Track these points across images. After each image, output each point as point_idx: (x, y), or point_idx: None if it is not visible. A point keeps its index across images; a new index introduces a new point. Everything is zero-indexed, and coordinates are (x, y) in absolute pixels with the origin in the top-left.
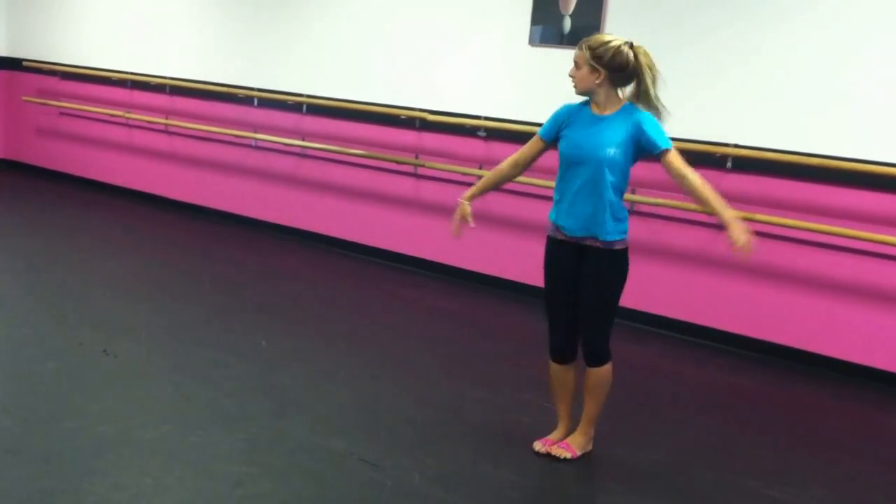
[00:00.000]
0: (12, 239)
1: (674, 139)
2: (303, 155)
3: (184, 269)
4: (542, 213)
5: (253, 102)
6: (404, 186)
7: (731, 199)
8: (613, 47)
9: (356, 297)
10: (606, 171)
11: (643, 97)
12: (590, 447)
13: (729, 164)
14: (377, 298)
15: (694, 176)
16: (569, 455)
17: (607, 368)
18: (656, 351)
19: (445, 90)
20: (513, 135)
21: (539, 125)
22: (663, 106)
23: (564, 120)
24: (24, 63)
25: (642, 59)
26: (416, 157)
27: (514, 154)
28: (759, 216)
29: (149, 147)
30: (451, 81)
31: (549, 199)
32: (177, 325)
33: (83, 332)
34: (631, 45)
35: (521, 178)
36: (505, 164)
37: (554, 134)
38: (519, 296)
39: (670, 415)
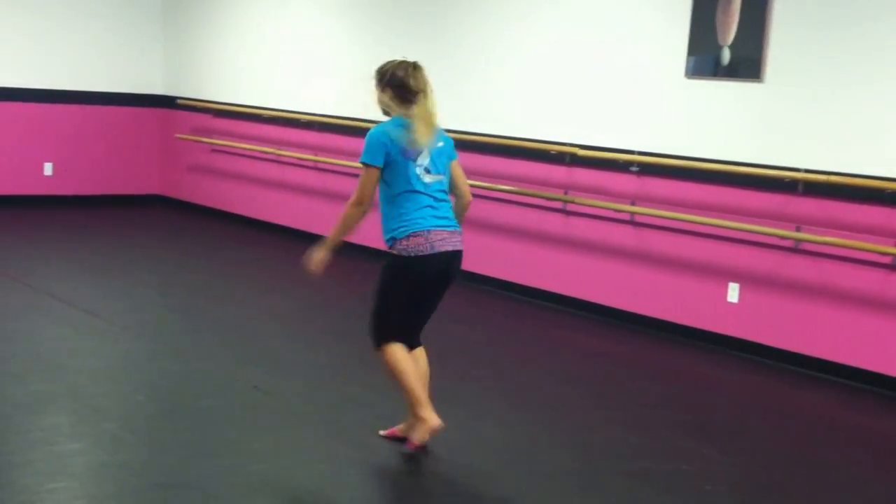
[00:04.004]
0: (171, 275)
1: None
2: None
3: (339, 306)
4: (705, 252)
5: None
6: (553, 223)
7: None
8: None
9: (505, 337)
10: None
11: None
12: None
13: None
14: (527, 337)
15: None
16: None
17: None
18: (827, 398)
19: (597, 124)
20: (667, 170)
21: (696, 159)
22: None
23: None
24: (179, 101)
25: None
26: (566, 193)
27: (357, 194)
28: None
29: (300, 184)
30: (603, 115)
31: (705, 236)
32: (332, 364)
33: (240, 369)
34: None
35: (691, 217)
36: (355, 210)
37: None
38: (675, 337)
39: (847, 469)
